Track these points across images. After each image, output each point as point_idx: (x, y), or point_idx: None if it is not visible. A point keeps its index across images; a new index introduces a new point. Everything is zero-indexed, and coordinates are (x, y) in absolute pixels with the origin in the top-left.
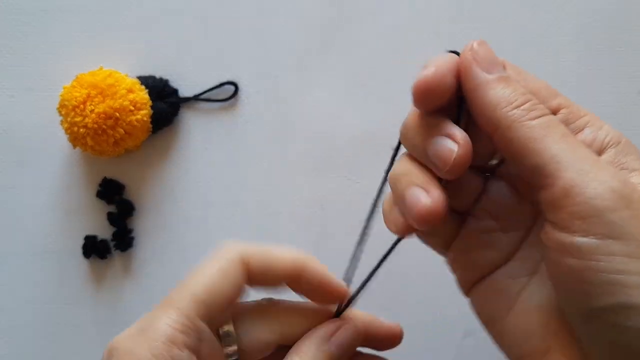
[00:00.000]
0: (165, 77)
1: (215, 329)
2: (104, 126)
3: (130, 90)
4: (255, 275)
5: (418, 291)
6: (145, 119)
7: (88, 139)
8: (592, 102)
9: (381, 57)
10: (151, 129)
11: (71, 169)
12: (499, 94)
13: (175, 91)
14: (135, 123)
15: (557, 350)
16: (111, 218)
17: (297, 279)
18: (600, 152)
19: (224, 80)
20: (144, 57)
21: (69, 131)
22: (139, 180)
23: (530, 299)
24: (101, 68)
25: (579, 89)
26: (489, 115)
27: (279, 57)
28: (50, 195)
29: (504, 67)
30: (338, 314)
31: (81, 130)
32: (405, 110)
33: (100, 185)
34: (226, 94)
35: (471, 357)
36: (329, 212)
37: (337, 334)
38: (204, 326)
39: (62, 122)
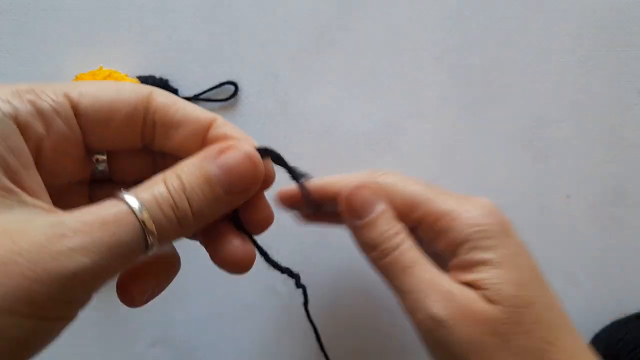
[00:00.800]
0: (165, 76)
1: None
2: None
3: None
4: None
5: None
6: None
7: None
8: (592, 102)
9: (381, 58)
10: None
11: None
12: (365, 240)
13: (175, 91)
14: None
15: None
16: None
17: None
18: (458, 246)
19: (224, 80)
20: (143, 56)
21: None
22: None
23: None
24: (101, 68)
25: (579, 89)
26: (365, 254)
27: (278, 57)
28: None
29: (373, 205)
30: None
31: None
32: (404, 110)
33: None
34: (226, 93)
35: None
36: None
37: (224, 155)
38: (62, 113)
39: None
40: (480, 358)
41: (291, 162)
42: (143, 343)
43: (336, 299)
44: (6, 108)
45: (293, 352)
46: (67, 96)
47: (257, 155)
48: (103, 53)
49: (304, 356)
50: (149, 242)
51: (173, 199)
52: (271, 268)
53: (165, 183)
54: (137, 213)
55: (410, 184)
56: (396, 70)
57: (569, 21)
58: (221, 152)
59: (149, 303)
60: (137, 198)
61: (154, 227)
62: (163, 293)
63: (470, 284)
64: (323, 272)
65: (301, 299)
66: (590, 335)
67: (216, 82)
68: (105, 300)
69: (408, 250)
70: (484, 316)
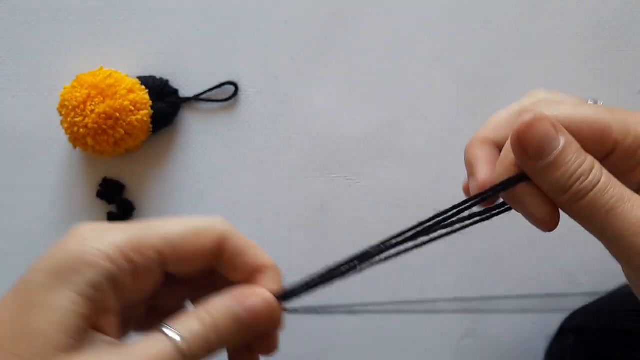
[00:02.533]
0: (165, 77)
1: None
2: (104, 126)
3: (130, 91)
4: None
5: (418, 291)
6: (145, 119)
7: (88, 139)
8: None
9: (380, 58)
10: (151, 129)
11: (71, 169)
12: (551, 183)
13: (175, 91)
14: (136, 123)
15: None
16: (111, 218)
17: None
18: None
19: (224, 80)
20: (144, 57)
21: (69, 131)
22: (139, 180)
23: None
24: (101, 68)
25: (580, 90)
26: (553, 199)
27: (279, 57)
28: (51, 195)
29: (556, 132)
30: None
31: (81, 130)
32: (403, 110)
33: (100, 185)
34: (226, 94)
35: (470, 356)
36: (329, 212)
37: (248, 298)
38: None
39: (62, 122)
40: None
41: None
42: None
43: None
44: (110, 268)
45: (293, 352)
46: (159, 253)
47: (276, 303)
48: (103, 53)
49: (303, 356)
50: None
51: (207, 336)
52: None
53: (200, 320)
54: (180, 348)
55: (587, 108)
56: (396, 70)
57: (569, 22)
58: (247, 296)
59: None
60: (178, 333)
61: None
62: None
63: None
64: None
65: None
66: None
67: (216, 83)
68: None
69: (608, 187)
70: None
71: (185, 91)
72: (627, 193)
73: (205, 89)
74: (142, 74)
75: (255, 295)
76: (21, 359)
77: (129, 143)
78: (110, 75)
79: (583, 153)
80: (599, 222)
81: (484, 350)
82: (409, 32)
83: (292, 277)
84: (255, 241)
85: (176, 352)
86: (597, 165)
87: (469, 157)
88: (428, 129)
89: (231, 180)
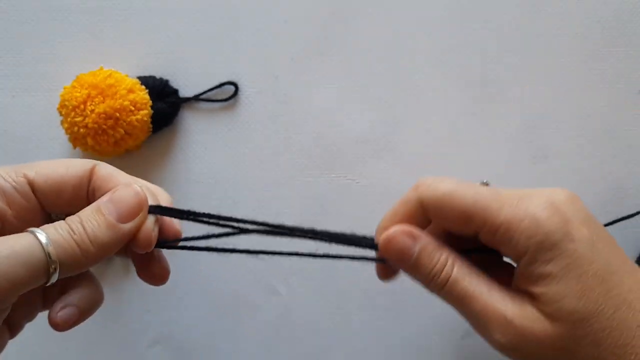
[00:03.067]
0: (165, 77)
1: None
2: (104, 126)
3: (130, 91)
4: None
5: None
6: (145, 119)
7: (88, 139)
8: (592, 102)
9: (380, 58)
10: (151, 129)
11: None
12: (417, 280)
13: (175, 91)
14: (136, 123)
15: None
16: None
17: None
18: (519, 258)
19: (224, 80)
20: (144, 57)
21: (69, 131)
22: None
23: None
24: (101, 68)
25: (580, 90)
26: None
27: (279, 57)
28: None
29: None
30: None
31: (81, 130)
32: (404, 110)
33: None
34: (226, 94)
35: (470, 357)
36: (329, 212)
37: (113, 191)
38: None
39: (62, 122)
40: None
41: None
42: (143, 343)
43: (336, 299)
44: None
45: (293, 352)
46: (25, 176)
47: (139, 189)
48: (103, 53)
49: (303, 356)
50: (50, 265)
51: (69, 225)
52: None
53: (67, 221)
54: (44, 245)
55: (461, 193)
56: (396, 70)
57: (569, 21)
58: (112, 191)
59: (151, 303)
60: (44, 231)
61: (53, 250)
62: (164, 294)
63: (533, 296)
64: (324, 271)
65: (300, 300)
66: None
67: (216, 83)
68: (105, 300)
69: (458, 281)
70: (546, 335)
71: (185, 91)
72: (478, 283)
73: (205, 89)
74: (142, 74)
75: (119, 188)
76: None
77: (129, 143)
78: (110, 75)
79: (438, 252)
80: (457, 307)
81: (484, 350)
82: (409, 32)
83: (293, 277)
84: (255, 241)
85: (40, 249)
86: (450, 261)
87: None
88: (428, 129)
89: (231, 180)
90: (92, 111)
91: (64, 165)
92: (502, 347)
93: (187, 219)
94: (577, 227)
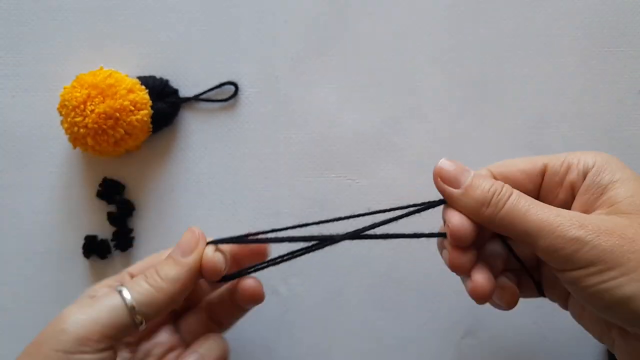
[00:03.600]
0: (165, 77)
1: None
2: (104, 126)
3: (130, 91)
4: None
5: (418, 291)
6: (145, 119)
7: (88, 139)
8: (592, 102)
9: (380, 58)
10: (151, 129)
11: (71, 169)
12: (474, 200)
13: (175, 91)
14: (136, 123)
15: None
16: (111, 218)
17: None
18: (579, 182)
19: (224, 80)
20: (144, 57)
21: (69, 131)
22: (139, 180)
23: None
24: (101, 68)
25: (580, 90)
26: (477, 216)
27: (278, 57)
28: (51, 195)
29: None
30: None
31: (81, 130)
32: (404, 110)
33: (100, 185)
34: (226, 94)
35: (470, 356)
36: (329, 212)
37: (181, 240)
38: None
39: (62, 122)
40: (626, 260)
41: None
42: None
43: (338, 299)
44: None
45: (293, 352)
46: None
47: (196, 228)
48: (103, 53)
49: (303, 356)
50: (128, 306)
51: (145, 275)
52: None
53: (143, 274)
54: (126, 299)
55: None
56: (396, 70)
57: (569, 21)
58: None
59: None
60: (128, 290)
61: (130, 297)
62: None
63: (597, 207)
64: (325, 271)
65: (300, 300)
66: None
67: (216, 83)
68: None
69: (521, 196)
70: (621, 226)
71: (185, 91)
72: (539, 201)
73: (205, 89)
74: (142, 74)
75: (185, 234)
76: None
77: (129, 143)
78: (110, 75)
79: (492, 179)
80: (523, 223)
81: (484, 350)
82: (409, 32)
83: (293, 277)
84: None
85: (124, 304)
86: (507, 185)
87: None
88: (428, 129)
89: (231, 180)
90: (92, 111)
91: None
92: (576, 242)
93: (245, 242)
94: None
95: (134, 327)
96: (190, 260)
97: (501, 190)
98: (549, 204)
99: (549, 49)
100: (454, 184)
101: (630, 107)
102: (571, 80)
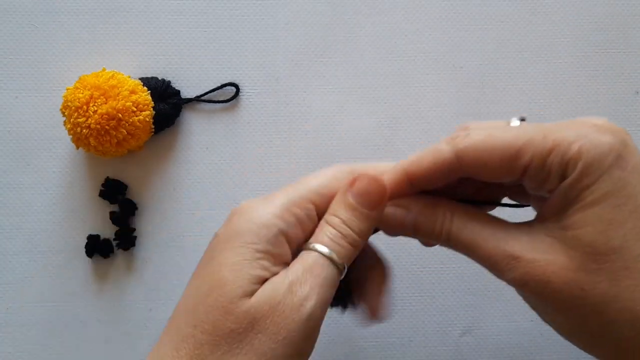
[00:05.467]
0: (167, 78)
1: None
2: (106, 127)
3: (132, 92)
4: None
5: (416, 289)
6: (147, 119)
7: (91, 140)
8: (590, 102)
9: (380, 59)
10: (153, 130)
11: (74, 169)
12: (420, 238)
13: (177, 92)
14: (138, 124)
15: None
16: (114, 217)
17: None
18: (554, 184)
19: (226, 81)
20: (146, 58)
21: (72, 132)
22: (141, 180)
23: None
24: (104, 69)
25: (578, 90)
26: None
27: (280, 59)
28: (54, 195)
29: None
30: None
31: (84, 130)
32: (403, 110)
33: (103, 185)
34: (227, 95)
35: (469, 354)
36: None
37: (354, 185)
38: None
39: (65, 123)
40: (564, 306)
41: None
42: (145, 341)
43: None
44: (281, 225)
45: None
46: (312, 202)
47: (379, 177)
48: (106, 55)
49: None
50: (340, 268)
51: (341, 233)
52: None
53: (331, 225)
54: (327, 255)
55: (501, 133)
56: (396, 71)
57: (568, 22)
58: (351, 184)
59: (153, 301)
60: (322, 244)
61: (337, 258)
62: (166, 293)
63: (560, 225)
64: None
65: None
66: None
67: (218, 84)
68: (108, 299)
69: (459, 232)
70: (557, 266)
71: (187, 92)
72: (479, 230)
73: (207, 90)
74: (144, 75)
75: (358, 180)
76: (217, 302)
77: (131, 143)
78: (112, 77)
79: (432, 212)
80: (469, 256)
81: (483, 348)
82: (409, 33)
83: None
84: None
85: (327, 261)
86: (449, 215)
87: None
88: (428, 129)
89: (232, 180)
90: (94, 112)
91: (332, 178)
92: (516, 284)
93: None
94: (632, 152)
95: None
96: (377, 214)
97: (441, 230)
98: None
99: (547, 49)
100: (402, 227)
101: (630, 107)
102: (570, 81)
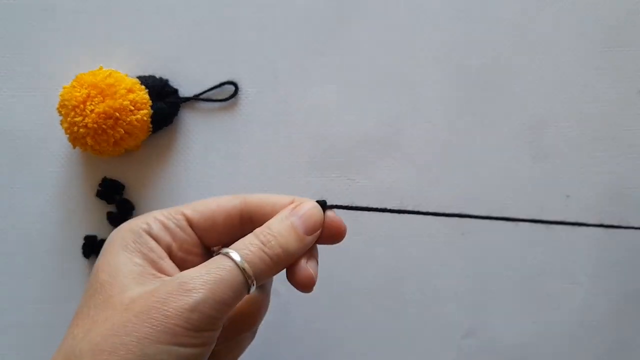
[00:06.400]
0: (165, 77)
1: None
2: (103, 126)
3: (130, 90)
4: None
5: (418, 291)
6: (145, 118)
7: (88, 139)
8: (591, 102)
9: (381, 58)
10: (151, 129)
11: (71, 169)
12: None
13: (175, 91)
14: (135, 123)
15: None
16: (111, 218)
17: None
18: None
19: (224, 80)
20: (144, 56)
21: (68, 131)
22: (139, 180)
23: None
24: (101, 68)
25: (579, 90)
26: None
27: (278, 57)
28: (50, 195)
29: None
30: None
31: (81, 130)
32: (404, 110)
33: (100, 185)
34: (226, 93)
35: (471, 357)
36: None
37: (298, 208)
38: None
39: (62, 122)
40: None
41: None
42: None
43: (341, 300)
44: (143, 226)
45: (293, 352)
46: (183, 214)
47: (319, 206)
48: (103, 53)
49: (303, 356)
50: (246, 276)
51: (266, 245)
52: None
53: (257, 235)
54: (239, 264)
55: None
56: (396, 70)
57: (569, 21)
58: (296, 208)
59: None
60: (236, 249)
61: (251, 271)
62: None
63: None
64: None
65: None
66: (591, 334)
67: (216, 82)
68: None
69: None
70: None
71: (185, 91)
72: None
73: (205, 88)
74: (141, 74)
75: (303, 205)
76: (103, 297)
77: (128, 143)
78: (109, 75)
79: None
80: None
81: (485, 351)
82: (409, 32)
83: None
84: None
85: (237, 269)
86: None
87: None
88: (428, 129)
89: (230, 179)
90: (91, 111)
91: (215, 203)
92: None
93: (359, 209)
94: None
95: (245, 292)
96: (311, 240)
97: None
98: None
99: (549, 48)
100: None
101: (631, 107)
102: (571, 80)
